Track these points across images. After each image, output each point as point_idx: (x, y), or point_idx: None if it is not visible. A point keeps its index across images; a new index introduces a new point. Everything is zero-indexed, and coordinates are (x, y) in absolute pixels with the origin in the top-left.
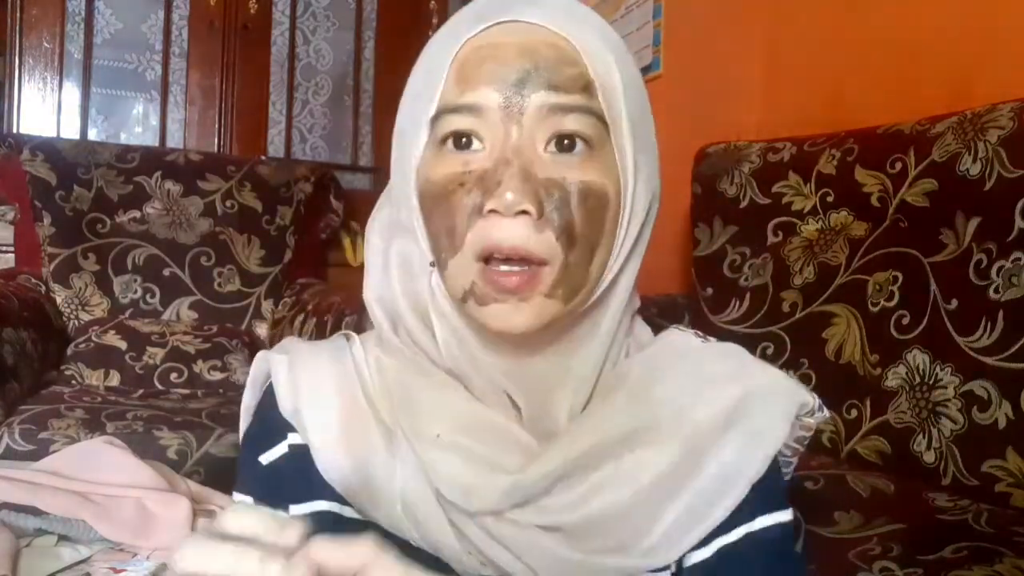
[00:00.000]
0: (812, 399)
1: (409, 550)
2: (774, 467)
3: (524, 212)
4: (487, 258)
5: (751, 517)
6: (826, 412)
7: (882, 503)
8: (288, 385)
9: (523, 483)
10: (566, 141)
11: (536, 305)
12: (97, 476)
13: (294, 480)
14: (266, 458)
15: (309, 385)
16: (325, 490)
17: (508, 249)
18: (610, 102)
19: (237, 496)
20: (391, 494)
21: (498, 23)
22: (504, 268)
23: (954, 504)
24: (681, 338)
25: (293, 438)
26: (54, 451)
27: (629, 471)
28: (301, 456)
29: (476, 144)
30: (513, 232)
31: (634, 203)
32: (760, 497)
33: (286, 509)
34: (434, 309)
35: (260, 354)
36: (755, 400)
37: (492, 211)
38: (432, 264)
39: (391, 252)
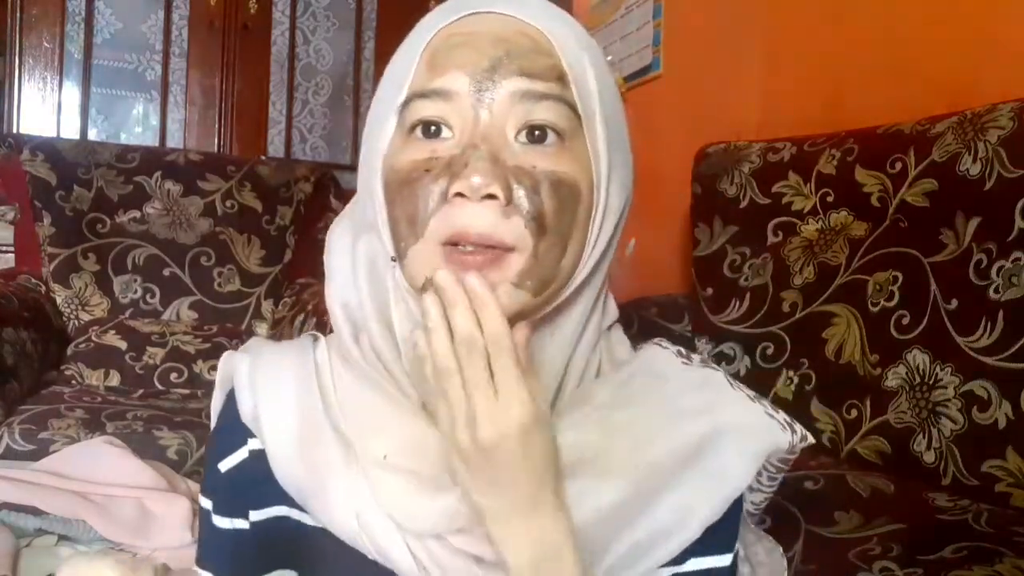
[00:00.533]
0: (790, 438)
1: (366, 563)
2: (732, 508)
3: (491, 196)
4: (450, 244)
5: (683, 559)
6: (810, 438)
7: (882, 503)
8: (248, 390)
9: (464, 507)
10: (537, 132)
11: (503, 294)
12: (97, 476)
13: (253, 485)
14: (226, 464)
15: (268, 390)
16: (285, 496)
17: (475, 236)
18: (584, 97)
19: (202, 499)
20: (347, 507)
21: (473, 13)
22: (470, 249)
23: (954, 504)
24: (661, 358)
25: (253, 443)
26: (54, 451)
27: (576, 499)
28: (261, 461)
29: (445, 132)
30: (480, 218)
31: (608, 200)
32: (704, 539)
33: (246, 515)
34: (396, 308)
35: (226, 355)
36: (722, 439)
37: (458, 195)
38: (393, 259)
39: (358, 253)
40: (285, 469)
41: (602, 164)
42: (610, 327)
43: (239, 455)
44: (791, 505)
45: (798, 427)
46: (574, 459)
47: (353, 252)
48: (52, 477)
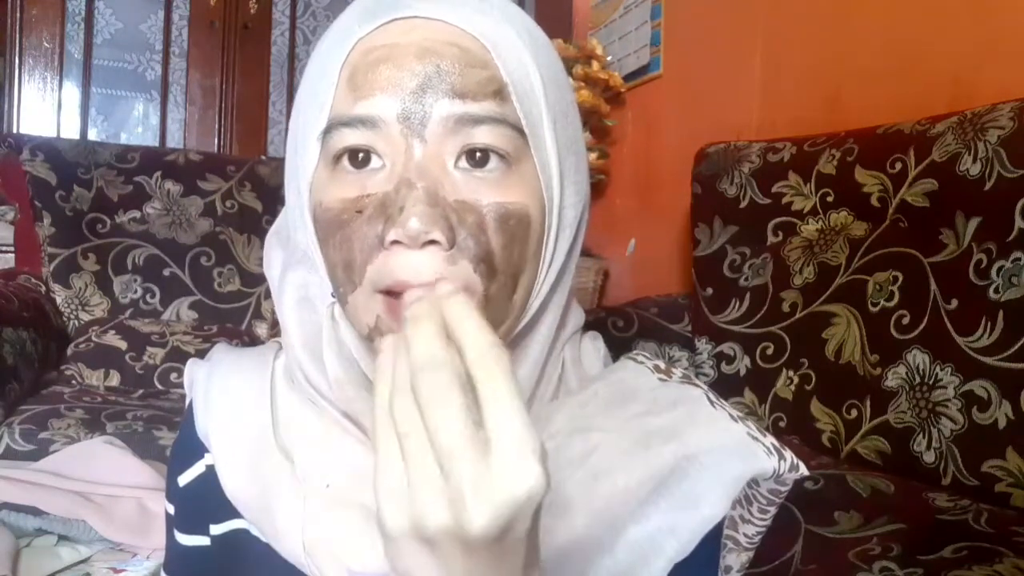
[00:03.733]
0: (776, 465)
1: None
2: (706, 547)
3: (433, 242)
4: (390, 293)
5: None
6: (803, 469)
7: (882, 503)
8: (203, 403)
9: None
10: (478, 154)
11: None
12: (97, 476)
13: (211, 499)
14: (184, 478)
15: (220, 406)
16: None
17: (419, 288)
18: (528, 108)
19: (166, 504)
20: (294, 532)
21: (393, 20)
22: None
23: (954, 504)
24: (632, 376)
25: (209, 458)
26: (54, 451)
27: None
28: (217, 476)
29: (375, 161)
30: (423, 267)
31: (561, 220)
32: None
33: (207, 530)
34: (328, 348)
35: (189, 363)
36: (694, 464)
37: (395, 242)
38: (333, 296)
39: (286, 281)
40: (234, 490)
41: (553, 179)
42: (582, 336)
43: (196, 469)
44: (791, 505)
45: (788, 454)
46: None
47: (280, 284)
48: (52, 477)
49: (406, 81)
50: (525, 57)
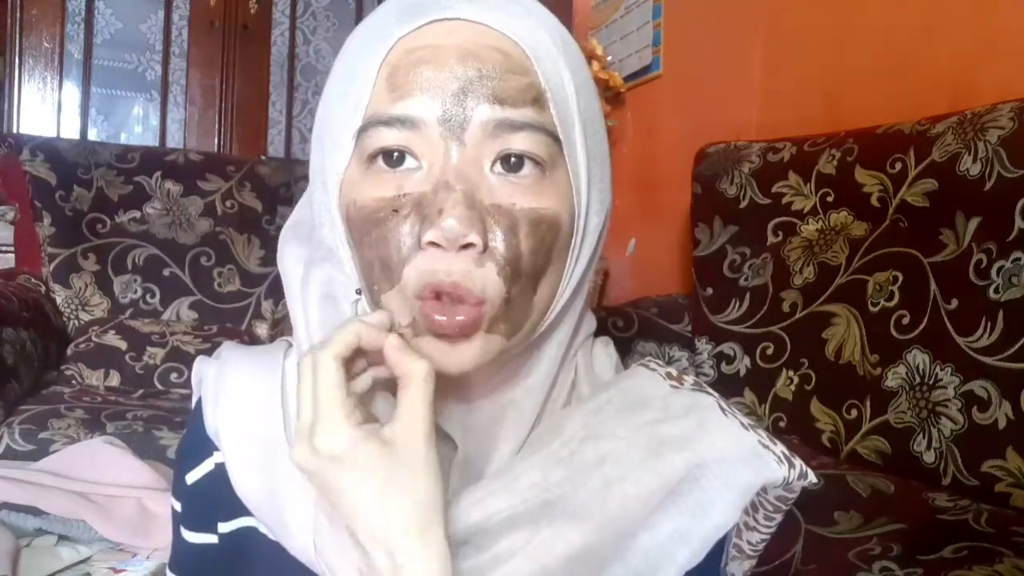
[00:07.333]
0: (786, 473)
1: None
2: (714, 556)
3: (469, 245)
4: (425, 298)
5: None
6: (812, 476)
7: (882, 503)
8: (212, 402)
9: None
10: (513, 159)
11: (477, 343)
12: (97, 476)
13: (220, 497)
14: (192, 476)
15: (231, 404)
16: None
17: (449, 286)
18: (563, 114)
19: (173, 501)
20: (305, 530)
21: (434, 21)
22: (442, 317)
23: (954, 504)
24: (646, 383)
25: (219, 456)
26: (54, 451)
27: (541, 545)
28: (227, 474)
29: (410, 161)
30: (454, 269)
31: (587, 225)
32: None
33: (215, 528)
34: None
35: (198, 360)
36: (705, 472)
37: (432, 243)
38: (358, 292)
39: (310, 280)
40: (245, 488)
41: (583, 186)
42: (594, 343)
43: (205, 467)
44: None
45: (798, 462)
46: (539, 502)
47: (304, 280)
48: (52, 477)
49: (447, 83)
50: (560, 64)
